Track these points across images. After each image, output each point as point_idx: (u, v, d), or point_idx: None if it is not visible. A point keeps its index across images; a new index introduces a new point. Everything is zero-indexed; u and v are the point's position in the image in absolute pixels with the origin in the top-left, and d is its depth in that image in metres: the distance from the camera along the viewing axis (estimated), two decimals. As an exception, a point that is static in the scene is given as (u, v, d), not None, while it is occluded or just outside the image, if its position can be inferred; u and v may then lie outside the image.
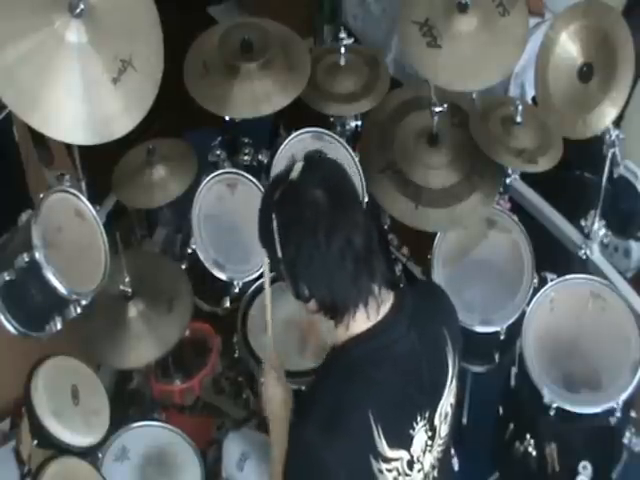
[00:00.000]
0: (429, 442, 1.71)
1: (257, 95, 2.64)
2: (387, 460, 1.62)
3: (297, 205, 1.57)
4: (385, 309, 1.65)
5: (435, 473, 1.76)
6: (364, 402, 1.59)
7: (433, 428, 1.71)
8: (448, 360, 1.71)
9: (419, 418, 1.67)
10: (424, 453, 1.70)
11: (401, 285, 1.75)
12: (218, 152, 2.90)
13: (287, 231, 1.58)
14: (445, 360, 1.71)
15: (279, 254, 1.59)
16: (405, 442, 1.65)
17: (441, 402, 1.71)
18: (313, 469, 1.59)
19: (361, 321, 1.64)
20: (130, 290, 2.42)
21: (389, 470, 1.63)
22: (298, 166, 1.61)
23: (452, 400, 1.75)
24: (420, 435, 1.68)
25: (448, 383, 1.72)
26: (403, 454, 1.65)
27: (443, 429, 1.74)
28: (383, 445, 1.60)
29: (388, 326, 1.65)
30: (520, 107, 2.58)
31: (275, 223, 1.58)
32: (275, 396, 1.88)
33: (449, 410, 1.74)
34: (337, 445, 1.56)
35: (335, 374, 1.64)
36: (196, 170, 2.74)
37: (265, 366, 1.97)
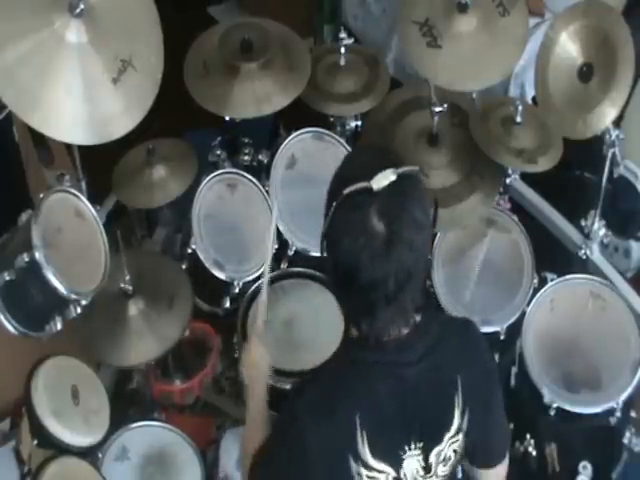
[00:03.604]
0: (421, 473, 1.68)
1: (257, 95, 2.64)
2: (368, 467, 1.61)
3: (356, 224, 1.50)
4: (406, 329, 1.62)
5: None
6: (357, 403, 1.59)
7: (427, 463, 1.68)
8: (454, 409, 1.66)
9: (412, 446, 1.64)
10: None
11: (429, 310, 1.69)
12: (218, 152, 2.90)
13: (336, 230, 1.53)
14: (450, 407, 1.66)
15: (323, 230, 1.55)
16: (393, 460, 1.63)
17: (440, 445, 1.67)
18: (294, 447, 1.60)
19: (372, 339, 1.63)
20: (130, 290, 2.42)
21: (369, 477, 1.62)
22: (387, 176, 1.49)
23: (457, 448, 1.70)
24: (411, 461, 1.65)
25: (452, 432, 1.67)
26: (389, 470, 1.63)
27: (441, 470, 1.70)
28: (366, 451, 1.59)
29: (401, 348, 1.62)
30: (520, 107, 2.58)
31: (332, 211, 1.52)
32: (259, 361, 1.92)
33: (452, 455, 1.70)
34: (321, 428, 1.57)
35: (342, 365, 1.65)
36: (196, 170, 2.74)
37: (251, 332, 1.99)
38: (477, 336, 1.76)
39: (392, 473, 1.64)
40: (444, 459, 1.70)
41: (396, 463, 1.64)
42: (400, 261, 1.50)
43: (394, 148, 2.62)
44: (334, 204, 1.52)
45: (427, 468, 1.69)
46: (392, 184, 1.49)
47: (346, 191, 1.51)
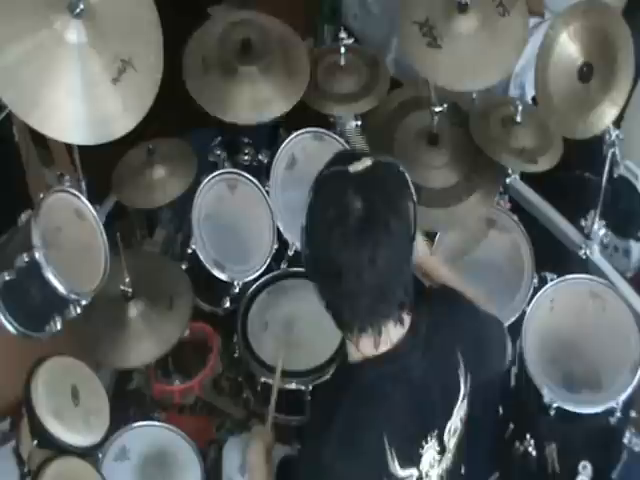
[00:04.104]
0: (437, 457, 1.71)
1: (257, 101, 2.64)
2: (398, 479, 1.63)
3: (332, 201, 1.52)
4: (400, 332, 1.63)
5: None
6: (380, 424, 1.59)
7: (442, 444, 1.71)
8: (460, 382, 1.70)
9: (429, 438, 1.67)
10: (432, 467, 1.70)
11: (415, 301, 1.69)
12: (218, 152, 2.90)
13: (313, 212, 1.55)
14: (457, 382, 1.70)
15: (303, 219, 1.58)
16: (415, 461, 1.66)
17: (451, 420, 1.70)
18: None
19: (368, 346, 1.62)
20: (130, 290, 2.42)
21: None
22: (364, 163, 1.53)
23: (462, 415, 1.74)
24: (429, 452, 1.68)
25: (459, 403, 1.71)
26: (413, 472, 1.65)
27: (452, 442, 1.74)
28: (395, 466, 1.60)
29: (404, 352, 1.63)
30: (520, 107, 2.58)
31: (310, 196, 1.56)
32: (258, 465, 1.94)
33: (459, 425, 1.74)
34: (353, 464, 1.57)
35: (351, 397, 1.62)
36: (196, 170, 2.74)
37: (256, 434, 2.03)
38: (457, 304, 1.78)
39: (416, 473, 1.66)
40: (455, 431, 1.72)
41: (418, 462, 1.66)
42: (376, 242, 1.50)
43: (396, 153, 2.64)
44: (312, 187, 1.55)
45: (441, 450, 1.71)
46: (369, 168, 1.52)
47: (324, 173, 1.54)
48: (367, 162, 1.53)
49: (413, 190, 1.59)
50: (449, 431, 1.71)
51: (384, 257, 1.50)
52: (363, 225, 1.49)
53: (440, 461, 1.72)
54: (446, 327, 1.71)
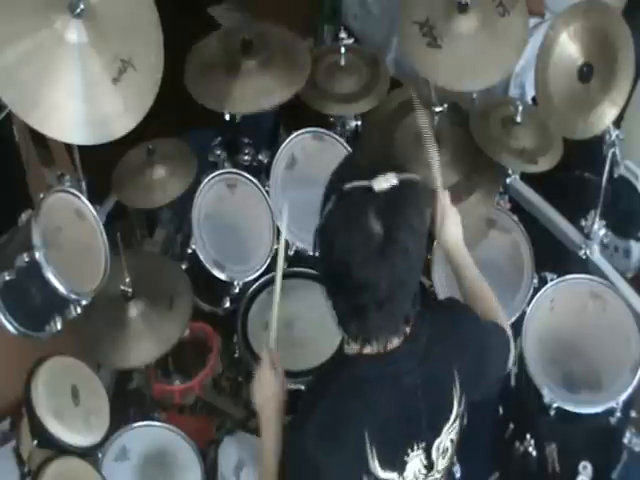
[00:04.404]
0: (424, 470, 1.70)
1: (257, 90, 2.64)
2: None
3: (353, 222, 1.49)
4: (401, 339, 1.63)
5: None
6: (363, 421, 1.59)
7: (430, 459, 1.70)
8: (453, 399, 1.69)
9: (415, 447, 1.66)
10: (417, 479, 1.69)
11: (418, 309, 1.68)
12: (218, 152, 2.90)
13: (332, 226, 1.52)
14: (449, 400, 1.68)
15: (318, 225, 1.55)
16: (398, 466, 1.65)
17: (439, 438, 1.69)
18: (311, 476, 1.58)
19: (369, 351, 1.62)
20: (130, 290, 2.42)
21: None
22: (389, 180, 1.49)
23: (454, 436, 1.72)
24: (414, 462, 1.67)
25: (450, 421, 1.70)
26: (395, 476, 1.64)
27: (440, 463, 1.72)
28: (375, 465, 1.60)
29: (400, 357, 1.62)
30: (520, 107, 2.58)
31: (329, 207, 1.52)
32: (268, 391, 1.85)
33: (449, 445, 1.72)
34: (334, 455, 1.56)
35: (340, 385, 1.62)
36: (196, 170, 2.74)
37: (263, 361, 1.94)
38: (461, 315, 1.76)
39: (398, 479, 1.65)
40: (443, 451, 1.71)
41: (401, 468, 1.65)
42: (393, 266, 1.49)
43: (397, 153, 2.62)
44: (332, 198, 1.52)
45: (429, 465, 1.70)
46: (393, 188, 1.49)
47: (346, 187, 1.50)
48: (392, 180, 1.49)
49: (428, 197, 1.57)
50: (437, 448, 1.69)
51: (399, 276, 1.50)
52: (383, 250, 1.48)
53: (426, 476, 1.71)
54: (447, 339, 1.69)
